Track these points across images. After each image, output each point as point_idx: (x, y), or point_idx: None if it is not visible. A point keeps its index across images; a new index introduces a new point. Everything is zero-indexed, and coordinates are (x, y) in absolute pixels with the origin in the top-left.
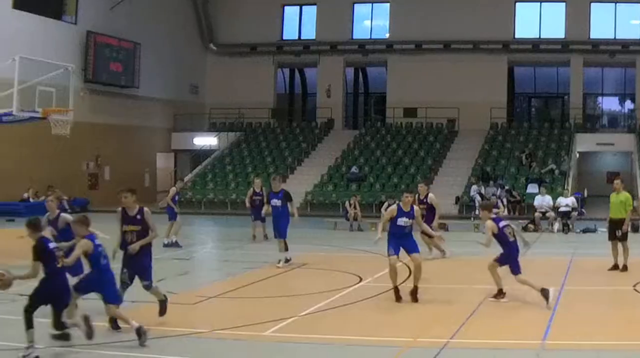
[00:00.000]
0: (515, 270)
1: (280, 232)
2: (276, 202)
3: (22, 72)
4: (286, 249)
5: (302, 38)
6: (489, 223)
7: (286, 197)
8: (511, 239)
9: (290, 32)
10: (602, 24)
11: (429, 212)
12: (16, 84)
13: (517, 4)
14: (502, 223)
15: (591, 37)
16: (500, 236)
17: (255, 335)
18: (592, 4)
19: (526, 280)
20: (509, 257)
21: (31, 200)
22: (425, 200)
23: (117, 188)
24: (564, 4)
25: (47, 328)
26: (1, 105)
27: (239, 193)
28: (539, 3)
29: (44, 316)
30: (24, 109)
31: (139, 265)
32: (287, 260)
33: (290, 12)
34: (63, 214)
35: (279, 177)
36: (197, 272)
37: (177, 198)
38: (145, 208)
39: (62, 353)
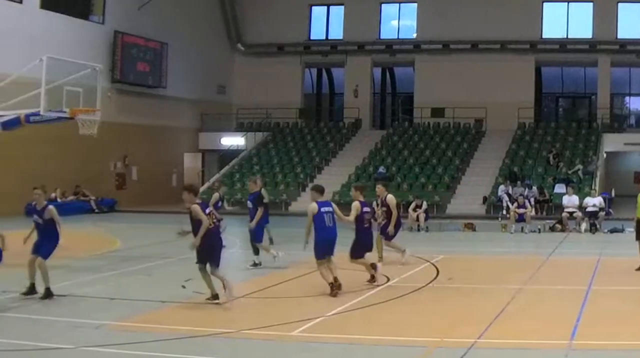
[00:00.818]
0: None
1: (253, 236)
2: (249, 204)
3: (49, 72)
4: (256, 253)
5: (329, 38)
6: (356, 203)
7: (257, 200)
8: (365, 225)
9: (317, 32)
10: (630, 24)
11: (389, 214)
12: (44, 84)
13: (545, 4)
14: (365, 208)
15: (619, 37)
16: (359, 219)
17: (283, 335)
18: (620, 4)
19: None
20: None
21: (59, 200)
22: (384, 201)
23: (144, 188)
24: (592, 3)
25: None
26: (29, 105)
27: (267, 193)
28: (566, 3)
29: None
30: (51, 109)
31: None
32: (255, 264)
33: (318, 12)
34: (50, 206)
35: (256, 178)
36: (224, 272)
37: (220, 204)
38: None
39: (90, 352)
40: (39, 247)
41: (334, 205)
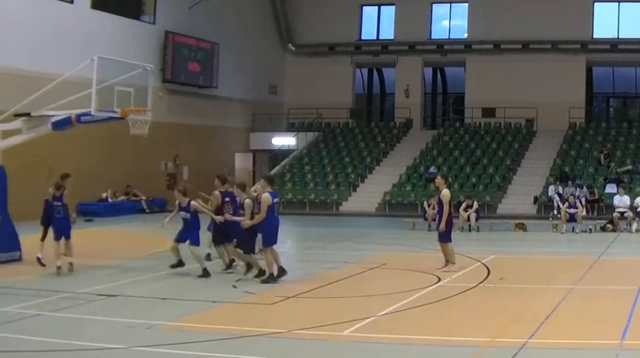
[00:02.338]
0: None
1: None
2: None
3: (100, 72)
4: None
5: (380, 38)
6: (266, 195)
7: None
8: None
9: (368, 32)
10: None
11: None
12: (94, 84)
13: (596, 4)
14: (276, 200)
15: None
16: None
17: (333, 335)
18: None
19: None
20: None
21: (110, 200)
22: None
23: (195, 188)
24: None
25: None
26: (80, 105)
27: (317, 194)
28: (617, 3)
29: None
30: (102, 109)
31: None
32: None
33: (369, 12)
34: (193, 202)
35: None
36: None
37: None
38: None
39: (141, 353)
40: (187, 237)
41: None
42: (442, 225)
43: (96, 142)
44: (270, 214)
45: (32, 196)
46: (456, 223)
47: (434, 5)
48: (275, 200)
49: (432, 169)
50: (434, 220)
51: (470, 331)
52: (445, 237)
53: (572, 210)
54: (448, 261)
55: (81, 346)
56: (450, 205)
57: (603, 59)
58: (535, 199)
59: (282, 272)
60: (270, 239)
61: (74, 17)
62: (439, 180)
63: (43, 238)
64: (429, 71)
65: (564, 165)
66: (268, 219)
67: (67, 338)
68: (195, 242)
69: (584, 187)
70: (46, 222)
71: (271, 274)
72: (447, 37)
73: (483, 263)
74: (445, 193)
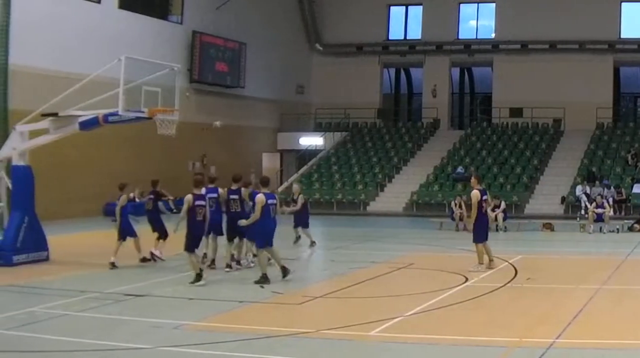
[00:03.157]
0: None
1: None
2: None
3: (127, 72)
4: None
5: (408, 38)
6: (260, 196)
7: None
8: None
9: (396, 32)
10: None
11: (304, 210)
12: (122, 84)
13: (623, 4)
14: (270, 201)
15: None
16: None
17: (361, 335)
18: None
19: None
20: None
21: (137, 200)
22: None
23: (222, 188)
24: None
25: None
26: (107, 105)
27: (344, 194)
28: None
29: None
30: (129, 109)
31: None
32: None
33: (396, 12)
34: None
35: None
36: (302, 272)
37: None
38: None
39: (168, 352)
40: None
41: (277, 197)
42: (470, 225)
43: (123, 142)
44: (265, 215)
45: (59, 196)
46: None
47: (461, 5)
48: (270, 201)
49: (460, 169)
50: (461, 220)
51: (498, 331)
52: (474, 237)
53: (600, 210)
54: (480, 263)
55: (108, 346)
56: (479, 206)
57: (630, 58)
58: (563, 199)
59: (285, 271)
60: (264, 240)
61: (101, 17)
62: (472, 180)
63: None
64: (456, 71)
65: (592, 165)
66: (262, 220)
67: (93, 338)
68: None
69: (612, 187)
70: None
71: (265, 275)
72: (475, 37)
73: (510, 264)
74: (473, 193)
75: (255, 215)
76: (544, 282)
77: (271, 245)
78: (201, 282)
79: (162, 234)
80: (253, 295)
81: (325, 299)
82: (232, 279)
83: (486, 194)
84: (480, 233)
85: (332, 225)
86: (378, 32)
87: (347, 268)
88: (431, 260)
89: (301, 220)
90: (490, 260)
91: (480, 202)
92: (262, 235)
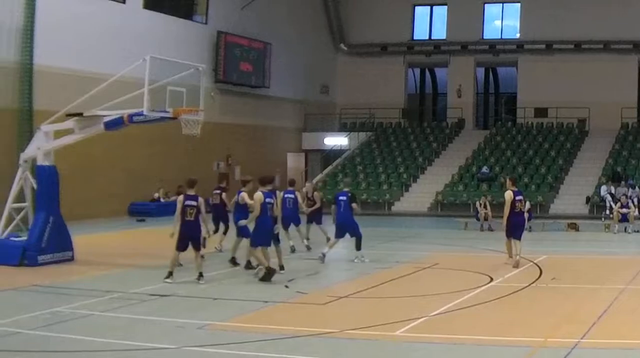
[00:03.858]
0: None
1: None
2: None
3: (152, 72)
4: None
5: (432, 38)
6: (257, 193)
7: None
8: (516, 210)
9: (420, 32)
10: None
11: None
12: (147, 84)
13: None
14: (268, 200)
15: None
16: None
17: (386, 335)
18: None
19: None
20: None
21: (162, 200)
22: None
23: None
24: None
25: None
26: (132, 105)
27: (369, 194)
28: None
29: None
30: (154, 109)
31: None
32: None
33: (421, 12)
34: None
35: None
36: (327, 271)
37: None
38: None
39: (193, 352)
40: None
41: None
42: (503, 224)
43: (149, 142)
44: (263, 214)
45: (84, 196)
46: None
47: (486, 5)
48: (268, 200)
49: (485, 169)
50: (485, 219)
51: (523, 331)
52: (507, 233)
53: (625, 210)
54: (512, 255)
55: (132, 346)
56: (511, 206)
57: None
58: (588, 199)
59: (268, 272)
60: (261, 239)
61: (126, 17)
62: (508, 182)
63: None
64: (481, 71)
65: (616, 165)
66: (260, 219)
67: (118, 338)
68: None
69: (636, 187)
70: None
71: (267, 268)
72: (500, 37)
73: (535, 263)
74: (506, 193)
75: (255, 213)
76: (569, 282)
77: (269, 244)
78: (169, 280)
79: (225, 229)
80: (278, 295)
81: (350, 299)
82: (256, 279)
83: (521, 194)
84: (511, 230)
85: None
86: (403, 32)
87: (372, 268)
88: (456, 260)
89: (316, 217)
90: (510, 257)
91: (513, 202)
92: (260, 233)
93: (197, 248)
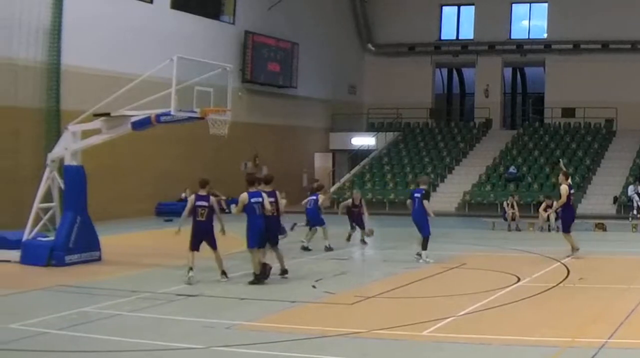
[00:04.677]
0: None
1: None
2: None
3: (180, 72)
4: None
5: (460, 38)
6: (242, 194)
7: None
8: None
9: (448, 32)
10: None
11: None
12: (174, 84)
13: None
14: (254, 199)
15: None
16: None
17: (413, 335)
18: None
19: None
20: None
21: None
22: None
23: (274, 188)
24: None
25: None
26: (159, 105)
27: (397, 194)
28: None
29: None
30: (182, 109)
31: None
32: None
33: (448, 12)
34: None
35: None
36: (355, 272)
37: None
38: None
39: (221, 352)
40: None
41: (264, 194)
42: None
43: (176, 142)
44: (251, 215)
45: (111, 196)
46: (537, 223)
47: (513, 5)
48: (254, 200)
49: (512, 169)
50: (513, 219)
51: (550, 331)
52: (564, 228)
53: None
54: (575, 249)
55: (159, 346)
56: (567, 199)
57: None
58: (615, 199)
59: (260, 275)
60: (254, 240)
61: (153, 17)
62: (561, 176)
63: None
64: (508, 71)
65: None
66: (251, 220)
67: (145, 338)
68: None
69: None
70: None
71: (258, 273)
72: (527, 37)
73: (563, 263)
74: (563, 187)
75: (234, 212)
76: (596, 282)
77: (263, 246)
78: (190, 273)
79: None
80: (305, 295)
81: (377, 299)
82: (283, 280)
83: (573, 188)
84: (571, 224)
85: (384, 226)
86: (430, 32)
87: (400, 268)
88: (483, 260)
89: (359, 221)
90: (577, 249)
91: (568, 196)
92: (252, 234)
93: (213, 247)
